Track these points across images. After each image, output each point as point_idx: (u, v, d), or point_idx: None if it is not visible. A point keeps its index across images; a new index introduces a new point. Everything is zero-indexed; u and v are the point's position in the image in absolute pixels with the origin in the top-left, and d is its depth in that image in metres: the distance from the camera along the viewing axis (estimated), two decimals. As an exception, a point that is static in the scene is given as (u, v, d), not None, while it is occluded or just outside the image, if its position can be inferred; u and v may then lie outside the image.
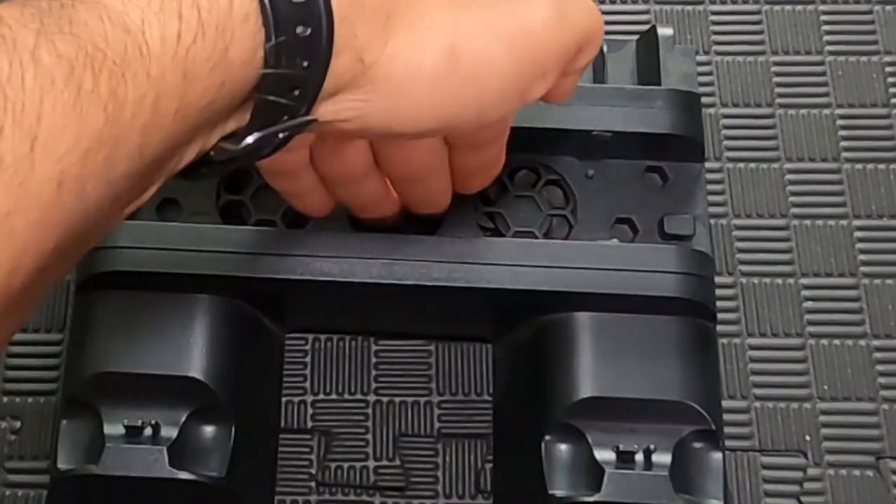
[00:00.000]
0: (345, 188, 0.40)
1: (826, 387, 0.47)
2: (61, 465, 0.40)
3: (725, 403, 0.46)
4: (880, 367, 0.47)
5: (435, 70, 0.31)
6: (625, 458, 0.40)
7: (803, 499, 0.46)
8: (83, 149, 0.25)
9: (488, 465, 0.46)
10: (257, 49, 0.28)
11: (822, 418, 0.47)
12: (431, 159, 0.39)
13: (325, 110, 0.31)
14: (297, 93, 0.30)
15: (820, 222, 0.50)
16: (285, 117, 0.30)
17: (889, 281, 0.49)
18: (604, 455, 0.40)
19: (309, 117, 0.30)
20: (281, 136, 0.31)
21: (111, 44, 0.26)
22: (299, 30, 0.28)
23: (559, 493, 0.40)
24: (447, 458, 0.46)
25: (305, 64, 0.29)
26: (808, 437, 0.46)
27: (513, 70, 0.33)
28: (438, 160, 0.39)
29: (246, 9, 0.28)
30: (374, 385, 0.47)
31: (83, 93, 0.25)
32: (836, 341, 0.48)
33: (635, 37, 0.48)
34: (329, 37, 0.29)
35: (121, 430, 0.40)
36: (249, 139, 0.30)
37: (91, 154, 0.25)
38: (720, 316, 0.44)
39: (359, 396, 0.47)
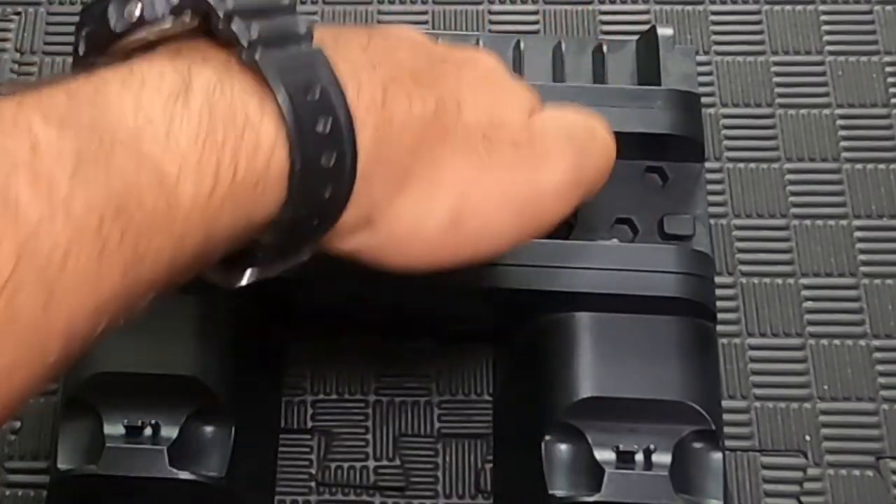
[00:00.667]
0: None
1: (826, 387, 0.47)
2: (61, 465, 0.40)
3: (725, 403, 0.46)
4: (880, 367, 0.47)
5: (437, 232, 0.32)
6: (625, 458, 0.40)
7: (803, 499, 0.46)
8: (96, 304, 0.24)
9: (488, 465, 0.46)
10: (279, 207, 0.28)
11: (822, 418, 0.47)
12: None
13: (322, 244, 0.31)
14: (300, 241, 0.30)
15: (820, 222, 0.50)
16: (282, 257, 0.30)
17: (889, 281, 0.49)
18: (604, 455, 0.40)
19: (304, 258, 0.30)
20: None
21: (143, 199, 0.25)
22: (321, 193, 0.28)
23: (559, 493, 0.40)
24: (447, 458, 0.46)
25: (316, 221, 0.29)
26: (808, 437, 0.46)
27: (513, 231, 0.33)
28: None
29: (280, 171, 0.27)
30: (374, 385, 0.47)
31: (107, 249, 0.24)
32: (836, 341, 0.48)
33: (635, 37, 0.48)
34: (347, 198, 0.29)
35: (121, 430, 0.40)
36: (246, 277, 0.30)
37: (103, 309, 0.25)
38: (720, 316, 0.44)
39: (359, 396, 0.47)
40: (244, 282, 0.30)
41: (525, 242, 0.34)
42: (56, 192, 0.23)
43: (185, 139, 0.26)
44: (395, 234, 0.31)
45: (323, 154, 0.27)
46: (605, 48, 0.47)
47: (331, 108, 0.28)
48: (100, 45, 0.29)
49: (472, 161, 0.32)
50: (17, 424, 0.46)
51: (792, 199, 0.50)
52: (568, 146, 0.34)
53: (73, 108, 0.25)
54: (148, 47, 0.28)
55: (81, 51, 0.29)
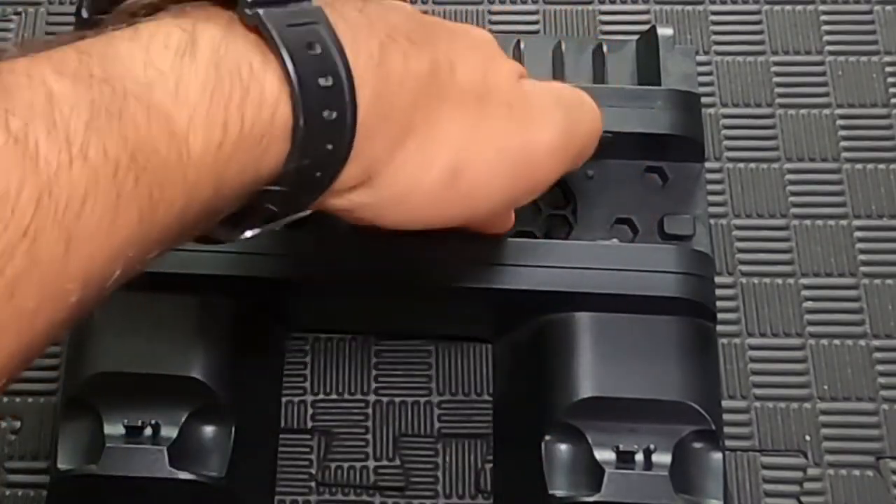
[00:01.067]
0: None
1: (826, 387, 0.47)
2: (61, 465, 0.40)
3: (725, 403, 0.46)
4: (880, 367, 0.47)
5: (434, 187, 0.32)
6: (625, 458, 0.40)
7: (803, 499, 0.46)
8: (113, 250, 0.25)
9: (488, 465, 0.46)
10: (283, 161, 0.29)
11: (822, 418, 0.47)
12: None
13: (320, 202, 0.31)
14: (302, 195, 0.30)
15: (820, 222, 0.50)
16: (284, 212, 0.31)
17: (889, 281, 0.49)
18: (604, 455, 0.40)
19: (304, 213, 0.31)
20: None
21: (156, 147, 0.26)
22: (323, 146, 0.29)
23: (559, 493, 0.40)
24: (447, 458, 0.46)
25: (318, 174, 0.30)
26: (808, 437, 0.46)
27: (508, 189, 0.34)
28: None
29: (284, 125, 0.28)
30: (374, 385, 0.47)
31: (123, 195, 0.25)
32: (836, 341, 0.48)
33: (635, 37, 0.48)
34: (348, 152, 0.30)
35: (121, 430, 0.40)
36: (248, 233, 0.31)
37: (118, 254, 0.25)
38: (720, 316, 0.44)
39: (359, 396, 0.47)
40: (249, 234, 0.31)
41: (517, 203, 0.35)
42: (73, 140, 0.24)
43: (194, 92, 0.26)
44: (393, 191, 0.32)
45: (325, 108, 0.28)
46: (605, 48, 0.47)
47: (332, 64, 0.28)
48: (104, 6, 0.30)
49: (468, 119, 0.32)
50: (18, 424, 0.46)
51: (792, 199, 0.50)
52: (557, 108, 0.35)
53: (84, 62, 0.26)
54: (151, 10, 0.29)
55: (86, 13, 0.30)
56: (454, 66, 0.33)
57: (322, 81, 0.28)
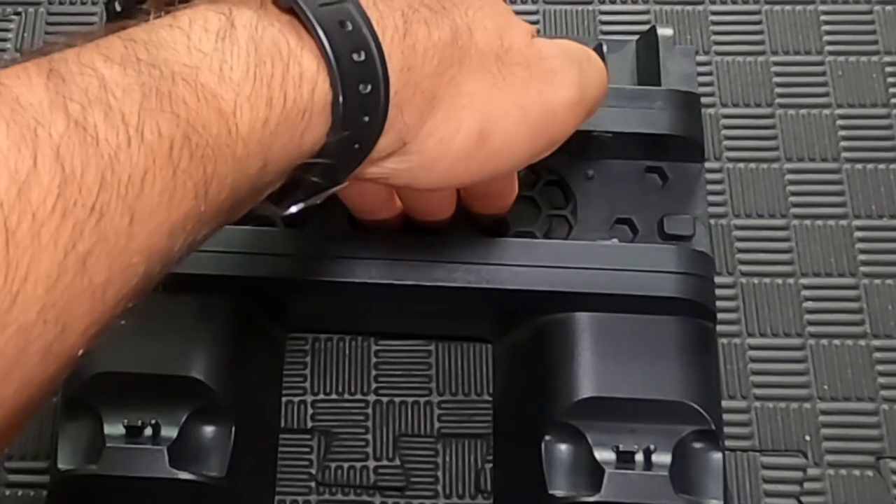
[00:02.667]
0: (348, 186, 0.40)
1: (826, 387, 0.47)
2: (61, 465, 0.40)
3: (725, 403, 0.46)
4: (880, 367, 0.47)
5: (464, 149, 0.33)
6: (625, 458, 0.40)
7: (803, 499, 0.46)
8: (173, 224, 0.26)
9: (488, 465, 0.46)
10: (324, 135, 0.30)
11: (822, 418, 0.47)
12: None
13: (357, 172, 0.32)
14: (342, 167, 0.31)
15: (820, 222, 0.50)
16: (324, 185, 0.32)
17: (889, 281, 0.49)
18: (604, 455, 0.40)
19: (342, 185, 0.32)
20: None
21: (206, 125, 0.27)
22: (360, 118, 0.30)
23: (559, 493, 0.40)
24: (447, 458, 0.46)
25: (357, 146, 0.31)
26: (808, 437, 0.46)
27: (530, 147, 0.35)
28: None
29: (323, 100, 0.29)
30: (374, 385, 0.47)
31: (179, 171, 0.26)
32: (836, 341, 0.48)
33: (635, 37, 0.48)
34: (383, 122, 0.31)
35: (121, 430, 0.40)
36: (293, 208, 0.32)
37: (178, 228, 0.27)
38: (720, 316, 0.44)
39: (359, 396, 0.47)
40: (294, 209, 0.32)
41: (538, 157, 0.36)
42: (129, 121, 0.25)
43: (238, 72, 0.28)
44: (425, 156, 0.33)
45: (360, 82, 0.30)
46: (605, 48, 0.47)
47: (364, 39, 0.30)
48: None
49: (490, 81, 0.34)
50: (17, 424, 0.46)
51: (792, 199, 0.50)
52: (570, 65, 0.36)
53: (130, 48, 0.27)
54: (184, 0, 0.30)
55: (119, 6, 0.32)
56: (472, 30, 0.34)
57: (356, 57, 0.29)
